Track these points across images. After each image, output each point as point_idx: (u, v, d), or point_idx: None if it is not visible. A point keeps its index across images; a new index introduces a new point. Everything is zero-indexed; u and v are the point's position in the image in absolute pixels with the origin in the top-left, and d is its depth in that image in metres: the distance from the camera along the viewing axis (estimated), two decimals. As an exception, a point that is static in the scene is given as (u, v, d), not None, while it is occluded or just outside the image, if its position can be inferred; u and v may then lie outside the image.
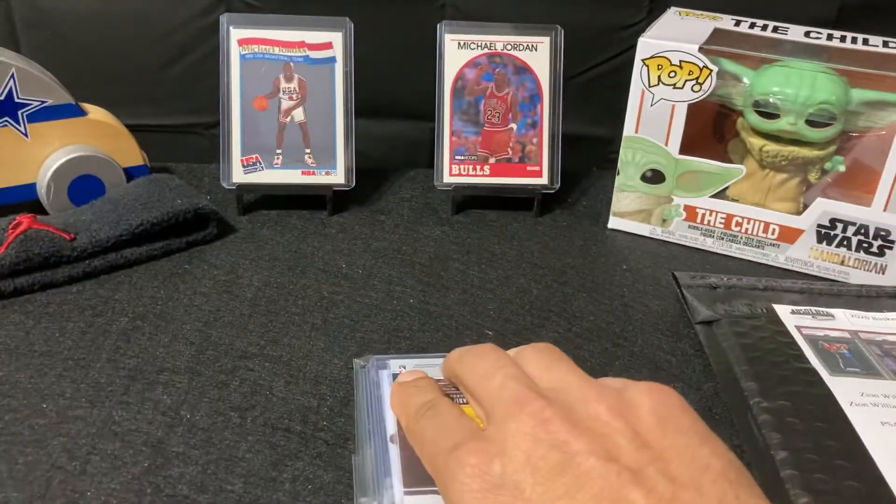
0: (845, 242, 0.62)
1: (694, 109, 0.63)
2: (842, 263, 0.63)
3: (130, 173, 0.65)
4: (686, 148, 0.64)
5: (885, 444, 0.43)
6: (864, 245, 0.61)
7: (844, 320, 0.55)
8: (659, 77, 0.62)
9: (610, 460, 0.26)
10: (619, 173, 0.67)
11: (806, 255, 0.64)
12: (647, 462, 0.26)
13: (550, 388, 0.30)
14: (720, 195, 0.65)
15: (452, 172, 0.70)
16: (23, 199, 0.63)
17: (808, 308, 0.56)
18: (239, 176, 0.67)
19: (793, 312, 0.55)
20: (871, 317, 0.55)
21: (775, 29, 0.66)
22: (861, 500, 0.40)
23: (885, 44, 0.62)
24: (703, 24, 0.66)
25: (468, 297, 0.59)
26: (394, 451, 0.40)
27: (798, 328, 0.53)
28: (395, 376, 0.45)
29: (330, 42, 0.67)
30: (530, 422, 0.28)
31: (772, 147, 0.62)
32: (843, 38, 0.64)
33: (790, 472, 0.42)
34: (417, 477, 0.39)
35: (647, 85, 0.63)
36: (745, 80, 0.61)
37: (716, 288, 0.58)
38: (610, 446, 0.27)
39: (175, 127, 0.87)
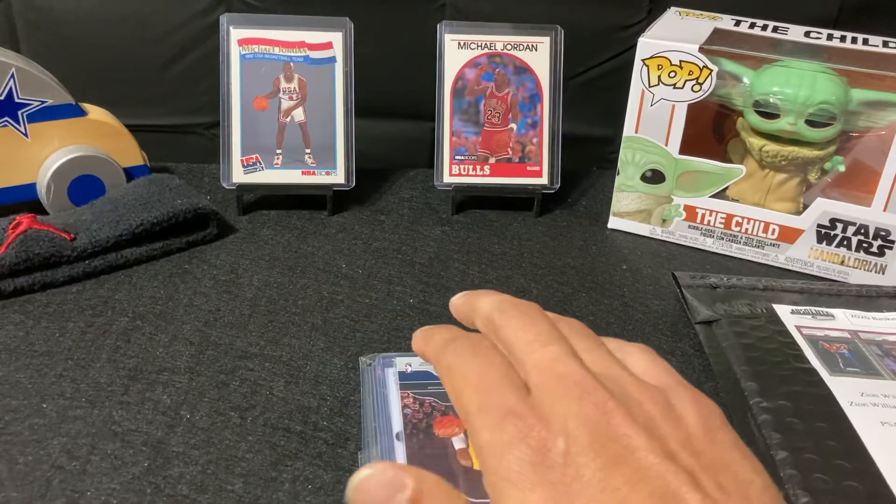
0: (845, 242, 0.62)
1: (694, 109, 0.63)
2: (842, 263, 0.63)
3: (130, 173, 0.65)
4: (686, 148, 0.64)
5: (885, 445, 0.43)
6: (864, 245, 0.61)
7: (844, 320, 0.55)
8: (659, 77, 0.62)
9: (668, 459, 0.26)
10: (619, 173, 0.67)
11: (806, 255, 0.64)
12: (700, 468, 0.27)
13: (600, 375, 0.29)
14: (720, 195, 0.65)
15: (452, 172, 0.70)
16: (23, 199, 0.63)
17: (807, 308, 0.56)
18: (239, 176, 0.67)
19: (793, 312, 0.55)
20: (870, 316, 0.55)
21: (775, 29, 0.66)
22: (861, 500, 0.40)
23: (885, 44, 0.62)
24: (703, 24, 0.66)
25: (468, 297, 0.59)
26: (399, 449, 0.40)
27: (798, 328, 0.53)
28: (401, 374, 0.45)
29: (330, 42, 0.67)
30: (593, 411, 0.27)
31: (772, 147, 0.62)
32: (843, 38, 0.64)
33: (790, 472, 0.42)
34: None
35: (647, 85, 0.63)
36: (745, 80, 0.61)
37: (716, 288, 0.58)
38: (666, 447, 0.27)
39: (175, 127, 0.87)
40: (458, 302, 0.36)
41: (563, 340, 0.31)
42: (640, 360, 0.32)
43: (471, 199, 0.72)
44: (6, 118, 0.60)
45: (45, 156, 0.63)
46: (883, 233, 0.60)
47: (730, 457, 0.28)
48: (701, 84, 0.62)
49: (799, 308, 0.55)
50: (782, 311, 0.55)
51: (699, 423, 0.28)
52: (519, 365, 0.31)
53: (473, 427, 0.29)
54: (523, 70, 0.69)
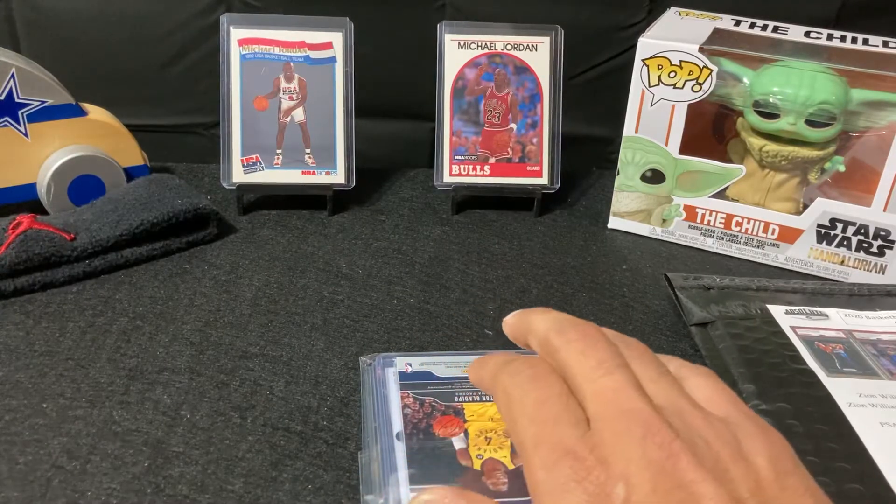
0: (845, 242, 0.62)
1: (694, 109, 0.63)
2: (842, 263, 0.63)
3: (130, 173, 0.66)
4: (686, 148, 0.64)
5: (886, 446, 0.43)
6: (864, 245, 0.61)
7: (838, 320, 0.55)
8: (659, 77, 0.62)
9: None
10: (619, 173, 0.67)
11: (806, 255, 0.64)
12: None
13: (665, 410, 0.28)
14: (720, 195, 0.65)
15: (452, 172, 0.70)
16: (23, 199, 0.63)
17: (801, 308, 0.55)
18: (239, 176, 0.67)
19: (787, 313, 0.55)
20: (864, 315, 0.55)
21: (775, 29, 0.66)
22: (864, 503, 0.40)
23: (885, 44, 0.62)
24: (703, 24, 0.66)
25: (468, 297, 0.59)
26: (399, 449, 0.40)
27: (793, 328, 0.53)
28: (401, 374, 0.45)
29: (330, 42, 0.67)
30: (657, 453, 0.26)
31: (772, 147, 0.62)
32: (843, 38, 0.64)
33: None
34: (423, 474, 0.39)
35: (647, 85, 0.63)
36: (745, 80, 0.61)
37: (709, 289, 0.57)
38: (735, 494, 0.26)
39: (175, 127, 0.87)
40: (513, 321, 0.35)
41: (626, 368, 0.29)
42: (702, 387, 0.30)
43: (471, 199, 0.72)
44: (6, 118, 0.60)
45: (45, 156, 0.63)
46: (883, 233, 0.60)
47: (802, 502, 0.26)
48: (701, 84, 0.62)
49: (793, 308, 0.55)
50: (776, 311, 0.55)
51: (769, 465, 0.27)
52: (578, 391, 0.29)
53: (528, 461, 0.28)
54: (523, 70, 0.69)
